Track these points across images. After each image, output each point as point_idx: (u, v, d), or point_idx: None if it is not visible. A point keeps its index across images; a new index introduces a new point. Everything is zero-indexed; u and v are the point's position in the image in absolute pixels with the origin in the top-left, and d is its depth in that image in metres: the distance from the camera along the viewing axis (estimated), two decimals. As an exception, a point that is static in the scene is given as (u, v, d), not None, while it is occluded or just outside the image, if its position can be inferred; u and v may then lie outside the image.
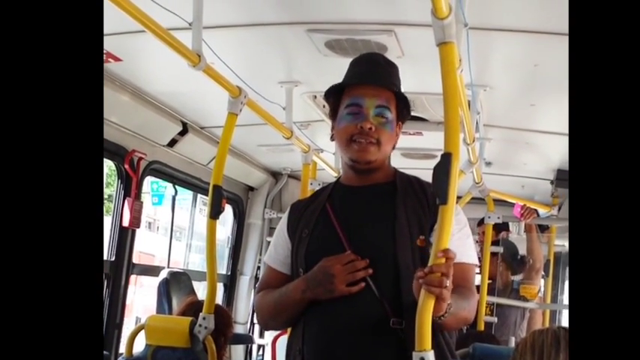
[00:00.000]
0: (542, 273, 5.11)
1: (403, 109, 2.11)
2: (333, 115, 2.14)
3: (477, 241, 5.06)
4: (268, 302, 2.13)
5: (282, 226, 2.21)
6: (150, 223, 11.34)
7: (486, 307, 4.46)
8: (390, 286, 1.95)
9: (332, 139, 2.17)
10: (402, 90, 2.14)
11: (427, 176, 1.99)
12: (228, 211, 5.67)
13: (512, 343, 3.27)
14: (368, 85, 2.07)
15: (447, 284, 1.59)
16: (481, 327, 4.18)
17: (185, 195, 5.59)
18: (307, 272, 2.02)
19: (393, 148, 2.16)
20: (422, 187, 2.09)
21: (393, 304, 1.93)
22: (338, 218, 2.07)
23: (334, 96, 2.13)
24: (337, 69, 2.23)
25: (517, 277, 4.77)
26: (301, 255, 2.07)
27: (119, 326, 4.03)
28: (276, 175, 5.85)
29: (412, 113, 3.79)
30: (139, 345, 2.89)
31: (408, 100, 2.12)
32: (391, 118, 2.06)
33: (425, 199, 2.04)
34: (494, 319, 4.50)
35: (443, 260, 1.60)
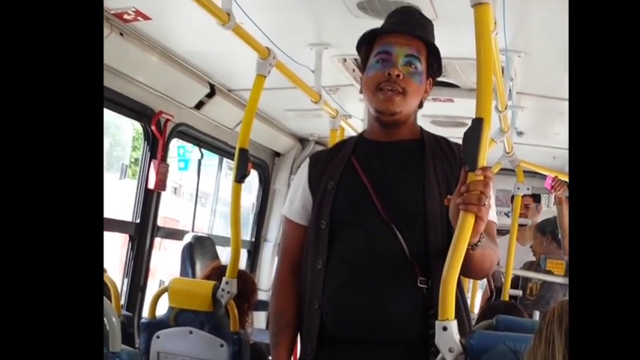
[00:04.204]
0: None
1: (434, 62, 2.05)
2: (364, 66, 2.09)
3: (505, 214, 5.00)
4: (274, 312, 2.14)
5: (301, 178, 2.15)
6: (175, 189, 11.35)
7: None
8: (420, 245, 1.93)
9: (361, 91, 2.11)
10: (436, 52, 2.07)
11: (457, 145, 1.96)
12: (253, 177, 5.65)
13: (537, 316, 3.22)
14: (399, 34, 2.01)
15: (486, 203, 1.55)
16: (506, 298, 4.12)
17: (210, 160, 5.58)
18: (330, 226, 2.00)
19: (421, 106, 2.11)
20: (450, 148, 2.06)
21: (422, 264, 1.92)
22: (366, 173, 2.03)
23: (366, 46, 2.08)
24: (368, 31, 2.17)
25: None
26: (326, 208, 2.02)
27: (143, 289, 4.05)
28: (302, 141, 5.82)
29: (444, 79, 3.75)
30: (162, 307, 2.88)
31: (440, 54, 2.06)
32: (420, 69, 2.01)
33: (454, 160, 2.02)
34: (519, 292, 4.45)
35: (481, 178, 1.56)
